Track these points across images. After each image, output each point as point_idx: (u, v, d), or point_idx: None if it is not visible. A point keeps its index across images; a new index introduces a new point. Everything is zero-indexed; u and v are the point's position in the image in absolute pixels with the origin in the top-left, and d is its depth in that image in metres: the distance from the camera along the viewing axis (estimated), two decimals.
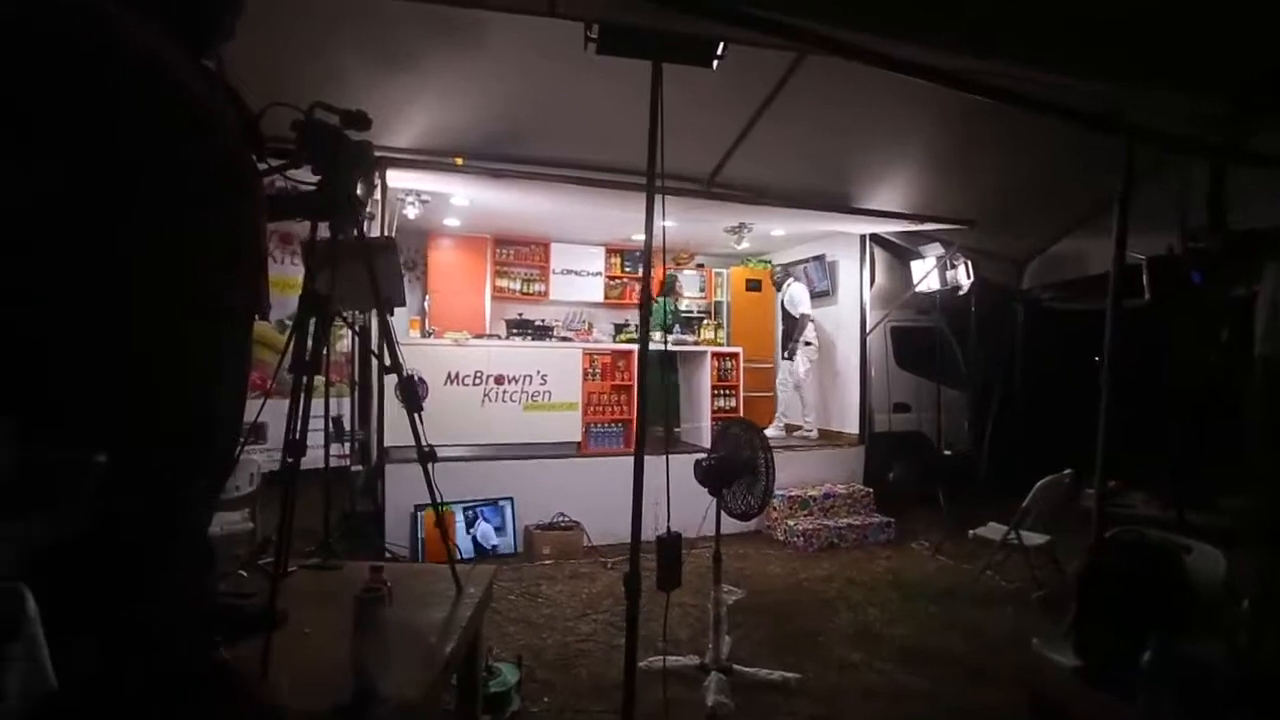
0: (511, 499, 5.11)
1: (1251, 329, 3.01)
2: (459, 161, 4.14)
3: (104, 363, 1.34)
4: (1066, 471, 4.41)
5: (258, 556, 2.88)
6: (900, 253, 6.69)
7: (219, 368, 1.50)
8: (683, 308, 7.77)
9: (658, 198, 1.93)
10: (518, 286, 7.77)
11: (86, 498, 1.59)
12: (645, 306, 2.06)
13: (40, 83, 1.22)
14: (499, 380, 5.37)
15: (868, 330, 6.50)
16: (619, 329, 7.11)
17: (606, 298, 8.09)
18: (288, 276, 4.15)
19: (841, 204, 5.40)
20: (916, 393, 6.74)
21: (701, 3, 1.68)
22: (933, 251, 6.16)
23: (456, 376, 5.25)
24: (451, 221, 6.89)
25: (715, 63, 1.88)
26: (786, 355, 6.70)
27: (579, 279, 7.95)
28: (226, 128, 1.51)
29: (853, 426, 6.53)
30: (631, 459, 1.98)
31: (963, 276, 6.01)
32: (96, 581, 1.49)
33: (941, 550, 5.26)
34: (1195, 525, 3.81)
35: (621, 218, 6.05)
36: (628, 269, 8.18)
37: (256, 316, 1.65)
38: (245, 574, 2.22)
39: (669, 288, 7.15)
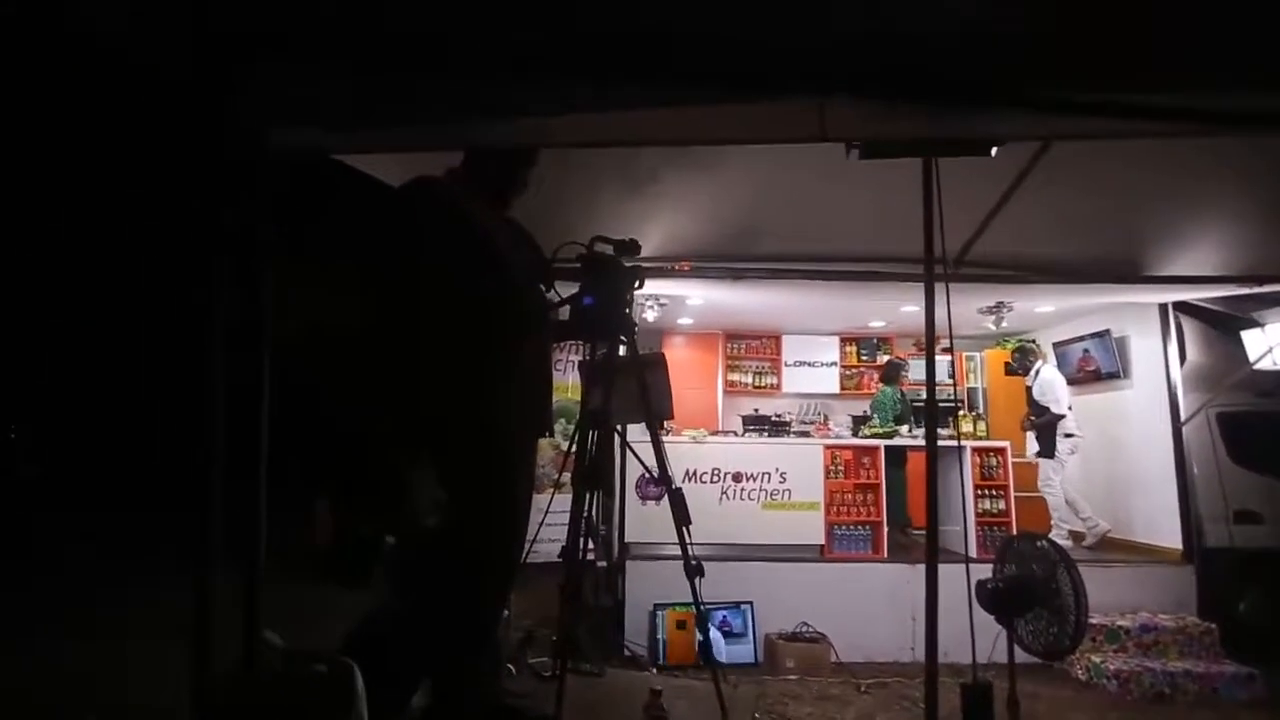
0: (751, 603, 4.92)
1: None
2: (685, 268, 4.33)
3: (419, 466, 1.57)
4: None
5: (520, 651, 3.07)
6: (1223, 323, 5.47)
7: (515, 476, 1.67)
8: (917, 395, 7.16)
9: (939, 287, 1.81)
10: (749, 380, 7.82)
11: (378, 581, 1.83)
12: (930, 396, 1.90)
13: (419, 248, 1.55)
14: (736, 478, 5.32)
15: (1183, 418, 5.33)
16: (858, 421, 6.72)
17: (843, 388, 7.78)
18: (559, 383, 4.62)
19: (1129, 273, 4.59)
20: (1268, 498, 5.26)
21: (968, 94, 1.60)
22: (1274, 318, 4.95)
23: (694, 474, 5.30)
24: (685, 320, 7.22)
25: (995, 150, 1.75)
26: (1042, 453, 5.76)
27: (812, 370, 7.80)
28: (525, 269, 1.75)
29: (1170, 539, 5.27)
30: (879, 565, 1.77)
31: None
32: (413, 671, 1.69)
33: None
34: None
35: (855, 306, 5.85)
36: (864, 357, 7.84)
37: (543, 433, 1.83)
38: (514, 670, 2.36)
39: (892, 375, 6.65)
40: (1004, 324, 5.89)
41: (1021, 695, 4.21)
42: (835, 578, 4.98)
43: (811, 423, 7.18)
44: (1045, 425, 5.86)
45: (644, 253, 4.47)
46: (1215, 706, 4.24)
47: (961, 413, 5.89)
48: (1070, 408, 5.83)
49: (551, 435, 1.80)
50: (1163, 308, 5.44)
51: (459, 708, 1.64)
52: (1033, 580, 2.35)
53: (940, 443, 5.87)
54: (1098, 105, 1.70)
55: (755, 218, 4.14)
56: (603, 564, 4.71)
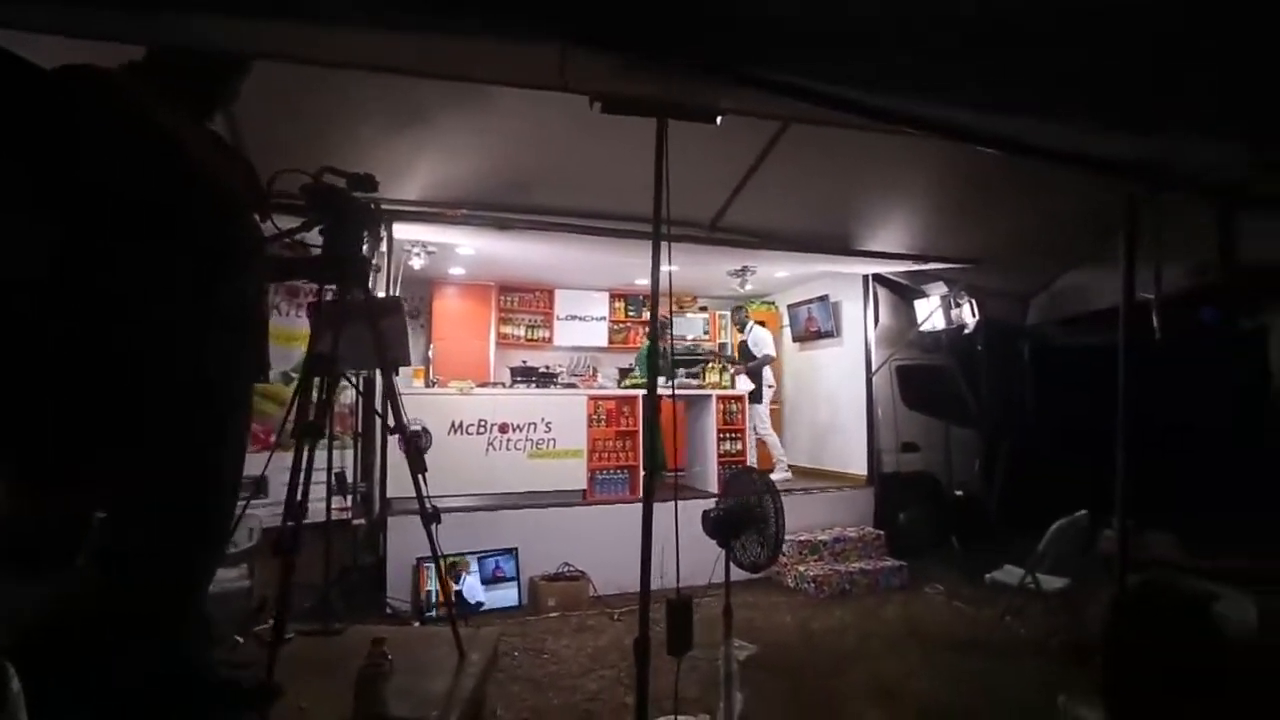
0: (516, 549, 5.02)
1: (1267, 366, 2.99)
2: (458, 214, 4.17)
3: (111, 429, 1.33)
4: (1082, 513, 4.32)
5: (254, 619, 2.81)
6: (904, 292, 6.71)
7: (224, 431, 1.49)
8: (683, 349, 7.78)
9: (663, 246, 1.94)
10: (522, 333, 7.80)
11: (84, 560, 1.56)
12: (653, 352, 2.05)
13: (57, 147, 1.24)
14: (503, 429, 5.34)
15: (873, 369, 6.47)
16: (624, 374, 7.10)
17: (611, 342, 8.10)
18: (294, 329, 4.17)
19: (843, 246, 5.42)
20: (925, 432, 6.67)
21: (703, 66, 1.71)
22: (937, 290, 6.17)
23: (460, 426, 5.23)
24: (456, 270, 6.95)
25: (719, 119, 1.90)
26: (754, 399, 6.69)
27: (583, 325, 7.99)
28: (232, 192, 1.53)
29: (860, 467, 6.45)
30: (637, 506, 1.94)
31: (967, 314, 6.00)
32: (91, 651, 1.45)
33: (957, 596, 5.12)
34: (1220, 569, 3.71)
35: (625, 263, 6.09)
36: (631, 313, 8.22)
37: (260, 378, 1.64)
38: (241, 640, 2.16)
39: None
40: (749, 286, 6.61)
41: (743, 605, 4.97)
42: (596, 519, 5.29)
43: (581, 375, 7.42)
44: (755, 370, 6.78)
45: (410, 196, 4.26)
46: (877, 595, 5.35)
47: (709, 364, 6.50)
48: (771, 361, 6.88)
49: (268, 380, 1.61)
50: (865, 278, 6.52)
51: (160, 687, 1.45)
52: (746, 508, 2.71)
53: (691, 391, 6.47)
54: (812, 93, 1.94)
55: (524, 169, 4.09)
56: (360, 521, 4.44)
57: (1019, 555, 4.48)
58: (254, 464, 1.93)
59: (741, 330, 7.18)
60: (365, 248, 1.99)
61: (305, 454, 1.57)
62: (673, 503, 2.36)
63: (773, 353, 6.94)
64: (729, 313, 8.42)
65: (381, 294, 4.21)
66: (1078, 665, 3.71)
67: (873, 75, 2.05)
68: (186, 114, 1.48)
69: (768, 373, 6.81)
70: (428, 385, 5.72)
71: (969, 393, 6.90)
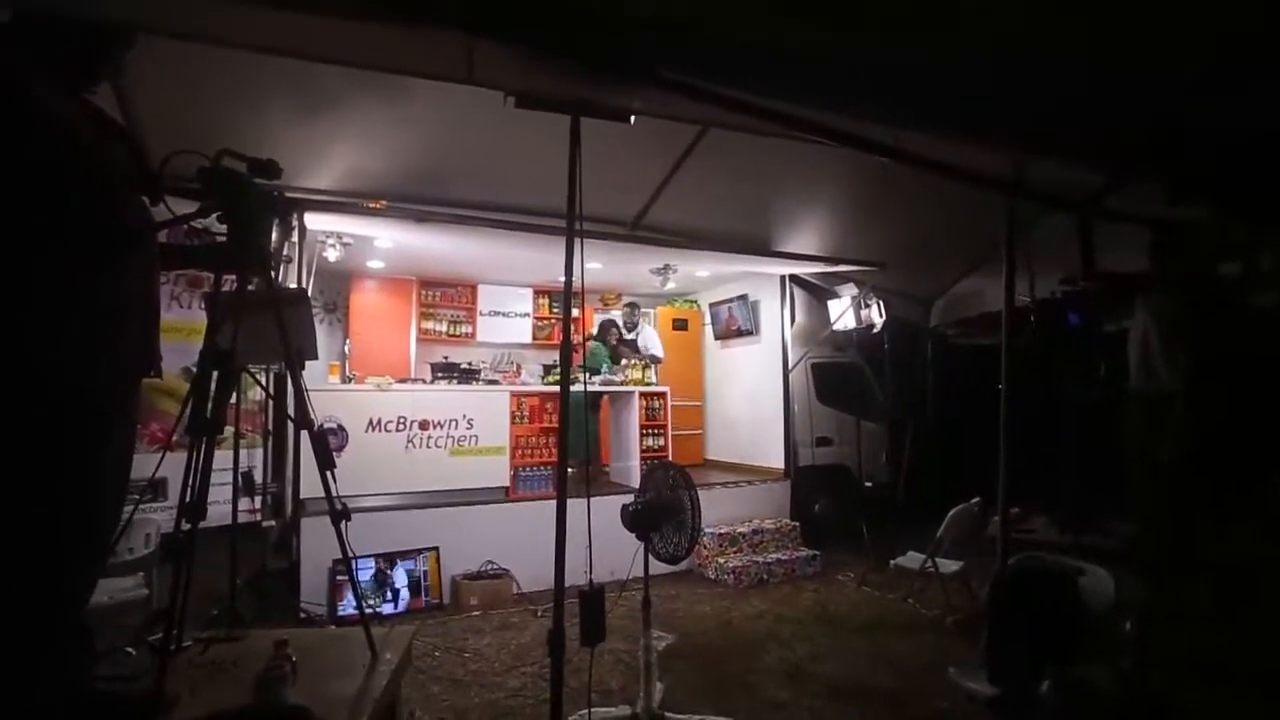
0: (437, 548, 4.92)
1: (1125, 364, 3.31)
2: (379, 205, 4.04)
3: None
4: (975, 500, 4.63)
5: (151, 629, 2.63)
6: (818, 293, 6.98)
7: (105, 431, 1.39)
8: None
9: (578, 243, 1.96)
10: (444, 328, 7.63)
11: None
12: (565, 347, 2.06)
13: None
14: (424, 425, 5.22)
15: (790, 367, 6.71)
16: (548, 370, 7.06)
17: (535, 339, 8.04)
18: (195, 322, 3.92)
19: (762, 247, 5.60)
20: (838, 427, 6.98)
21: (613, 66, 1.74)
22: (848, 291, 6.46)
23: (379, 423, 5.07)
24: (375, 264, 6.73)
25: (633, 118, 1.93)
26: None
27: (506, 320, 7.90)
28: (112, 170, 1.43)
29: (778, 461, 6.67)
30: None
31: (876, 315, 6.32)
32: None
33: (865, 581, 5.39)
34: (1087, 548, 4.09)
35: (548, 259, 6.04)
36: (556, 310, 8.17)
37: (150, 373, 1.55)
38: (132, 651, 2.02)
39: (604, 333, 7.17)
40: (670, 284, 6.70)
41: (665, 597, 5.06)
42: (519, 516, 5.24)
43: (504, 371, 7.32)
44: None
45: (323, 185, 4.09)
46: (793, 583, 5.56)
47: (631, 361, 6.56)
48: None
49: (159, 375, 1.52)
50: (783, 279, 6.76)
51: (25, 708, 1.34)
52: (663, 502, 2.76)
53: (614, 388, 6.49)
54: (726, 99, 2.00)
55: (443, 161, 4.02)
56: (271, 523, 4.23)
57: (921, 541, 4.76)
58: (151, 464, 1.81)
59: (630, 330, 7.21)
60: (272, 237, 1.90)
61: (200, 452, 1.49)
62: (598, 498, 2.38)
63: (660, 354, 7.06)
64: (652, 311, 8.50)
65: (292, 285, 4.02)
66: (968, 640, 3.99)
67: (792, 87, 2.14)
68: (59, 83, 1.37)
69: (653, 372, 6.84)
70: (344, 381, 5.52)
71: (878, 388, 7.26)
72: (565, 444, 2.04)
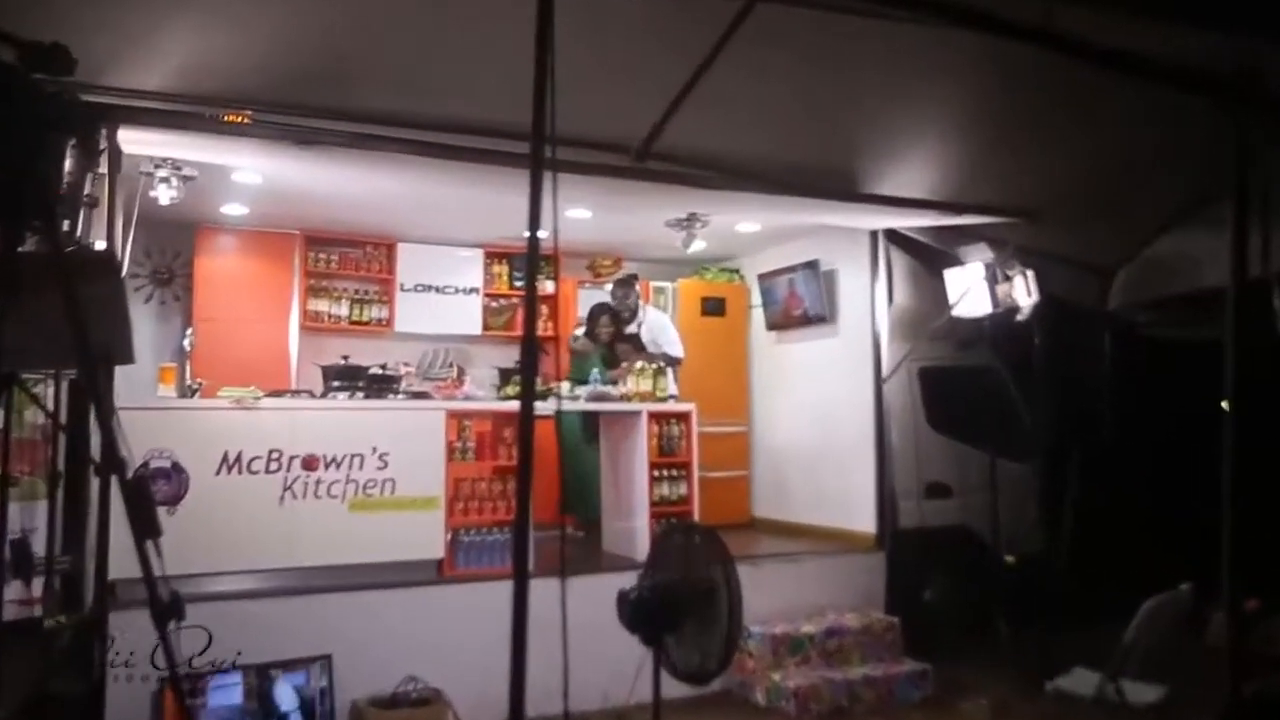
0: (329, 657, 4.91)
1: None
2: (240, 119, 4.03)
3: None
4: (1184, 586, 4.57)
5: None
6: (930, 259, 6.95)
7: None
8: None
9: (550, 179, 1.91)
10: (343, 312, 7.66)
11: None
12: (528, 342, 2.02)
13: None
14: (310, 464, 5.20)
15: (886, 374, 6.65)
16: (507, 377, 7.03)
17: (487, 328, 8.05)
18: None
19: (841, 187, 5.56)
20: (960, 468, 6.92)
21: None
22: (978, 256, 6.40)
23: (238, 460, 5.06)
24: (233, 210, 6.75)
25: None
26: None
27: (442, 300, 7.92)
28: None
29: (866, 522, 6.65)
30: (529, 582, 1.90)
31: (1021, 293, 6.24)
32: None
33: (1007, 712, 5.34)
34: None
35: (508, 206, 5.99)
36: (519, 283, 8.15)
37: None
38: None
39: (591, 322, 7.11)
40: (698, 244, 6.66)
41: None
42: (460, 606, 5.22)
43: (439, 380, 7.32)
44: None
45: (150, 85, 4.08)
46: (889, 712, 5.51)
47: (639, 366, 6.51)
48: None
49: None
50: (873, 236, 6.73)
51: None
52: (683, 586, 2.73)
53: (608, 406, 6.48)
54: None
55: (342, 52, 4.00)
56: (58, 620, 4.21)
57: (1095, 651, 4.70)
58: None
59: (623, 319, 7.17)
60: (63, 167, 1.89)
61: None
62: (582, 578, 2.35)
63: (680, 352, 7.02)
64: (670, 285, 8.46)
65: (100, 246, 4.01)
66: None
67: None
68: None
69: (671, 380, 6.73)
70: (185, 395, 5.51)
71: (1025, 407, 7.19)
72: (527, 491, 2.00)
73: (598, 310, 7.18)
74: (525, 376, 1.97)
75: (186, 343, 6.60)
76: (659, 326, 7.15)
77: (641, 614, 2.78)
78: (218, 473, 5.01)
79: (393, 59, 4.10)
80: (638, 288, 7.47)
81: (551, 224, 1.89)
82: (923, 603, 6.51)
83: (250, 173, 5.46)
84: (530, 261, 1.87)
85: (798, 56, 4.23)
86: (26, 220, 1.67)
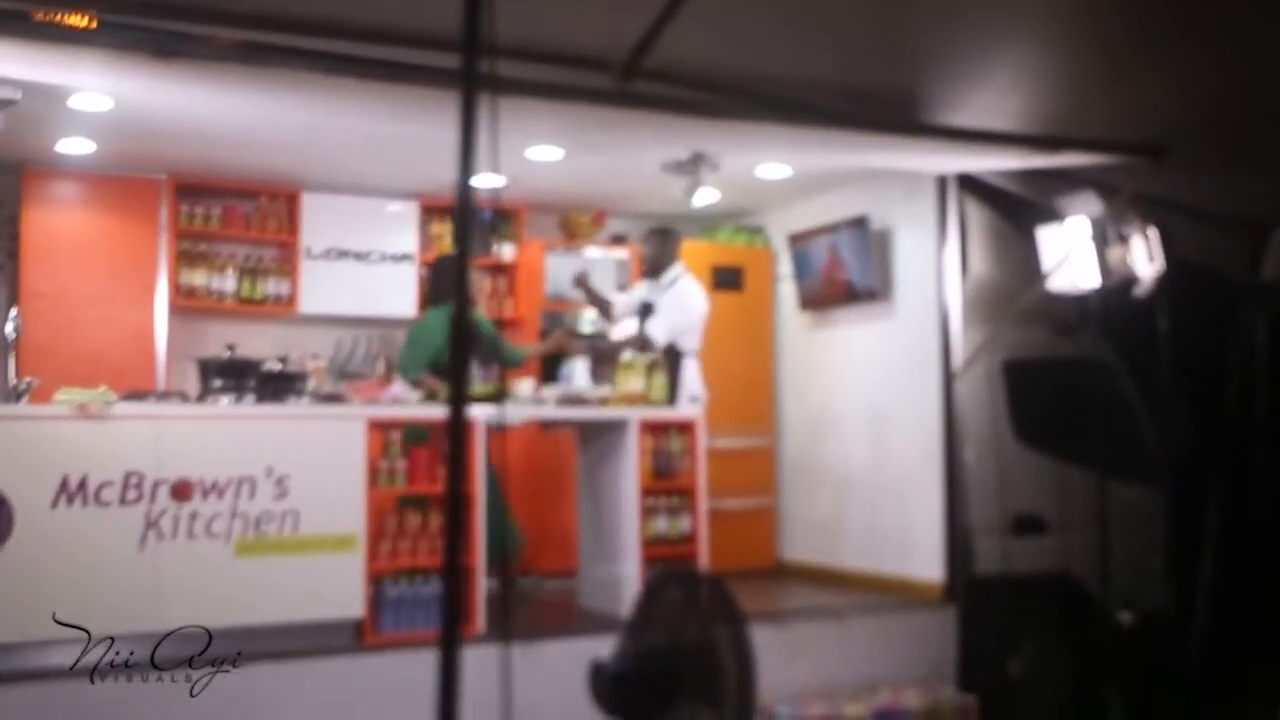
0: None
1: None
2: (83, 22, 4.03)
3: None
4: None
5: None
6: (1017, 214, 6.99)
7: None
8: (589, 330, 7.93)
9: (489, 102, 1.92)
10: (228, 286, 7.68)
11: None
12: (461, 315, 2.02)
13: None
14: (181, 493, 5.19)
15: (957, 370, 6.68)
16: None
17: (424, 305, 8.05)
18: None
19: (898, 116, 5.58)
20: (1058, 495, 6.94)
21: None
22: (1081, 209, 6.40)
23: (83, 487, 5.05)
24: (74, 146, 6.75)
25: None
26: None
27: (362, 269, 7.98)
28: None
29: (931, 567, 6.68)
30: (473, 650, 1.91)
31: (1141, 258, 6.25)
32: None
33: None
34: None
35: (452, 140, 5.99)
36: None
37: None
38: None
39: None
40: (707, 193, 6.66)
41: None
42: (387, 683, 5.26)
43: (358, 376, 7.33)
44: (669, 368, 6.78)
45: None
46: None
47: (628, 356, 6.50)
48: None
49: None
50: (940, 183, 6.72)
51: None
52: (677, 653, 2.75)
53: (585, 413, 6.50)
54: None
55: None
56: None
57: None
58: None
59: (658, 274, 7.03)
60: None
61: None
62: (547, 642, 2.36)
63: (695, 344, 6.94)
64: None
65: None
66: None
67: None
68: None
69: (690, 374, 6.80)
70: (6, 398, 5.53)
71: (1146, 415, 7.21)
72: (456, 528, 2.01)
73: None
74: (455, 375, 1.97)
75: (9, 327, 6.59)
76: (687, 304, 6.89)
77: (622, 692, 2.79)
78: (54, 505, 4.98)
79: None
80: (674, 244, 7.15)
81: (493, 166, 1.89)
82: (1008, 676, 6.54)
83: (95, 95, 5.43)
84: (461, 218, 1.86)
85: None
86: None
